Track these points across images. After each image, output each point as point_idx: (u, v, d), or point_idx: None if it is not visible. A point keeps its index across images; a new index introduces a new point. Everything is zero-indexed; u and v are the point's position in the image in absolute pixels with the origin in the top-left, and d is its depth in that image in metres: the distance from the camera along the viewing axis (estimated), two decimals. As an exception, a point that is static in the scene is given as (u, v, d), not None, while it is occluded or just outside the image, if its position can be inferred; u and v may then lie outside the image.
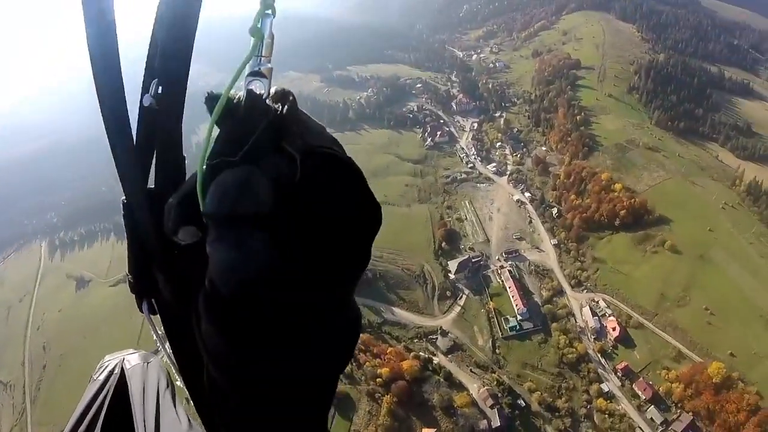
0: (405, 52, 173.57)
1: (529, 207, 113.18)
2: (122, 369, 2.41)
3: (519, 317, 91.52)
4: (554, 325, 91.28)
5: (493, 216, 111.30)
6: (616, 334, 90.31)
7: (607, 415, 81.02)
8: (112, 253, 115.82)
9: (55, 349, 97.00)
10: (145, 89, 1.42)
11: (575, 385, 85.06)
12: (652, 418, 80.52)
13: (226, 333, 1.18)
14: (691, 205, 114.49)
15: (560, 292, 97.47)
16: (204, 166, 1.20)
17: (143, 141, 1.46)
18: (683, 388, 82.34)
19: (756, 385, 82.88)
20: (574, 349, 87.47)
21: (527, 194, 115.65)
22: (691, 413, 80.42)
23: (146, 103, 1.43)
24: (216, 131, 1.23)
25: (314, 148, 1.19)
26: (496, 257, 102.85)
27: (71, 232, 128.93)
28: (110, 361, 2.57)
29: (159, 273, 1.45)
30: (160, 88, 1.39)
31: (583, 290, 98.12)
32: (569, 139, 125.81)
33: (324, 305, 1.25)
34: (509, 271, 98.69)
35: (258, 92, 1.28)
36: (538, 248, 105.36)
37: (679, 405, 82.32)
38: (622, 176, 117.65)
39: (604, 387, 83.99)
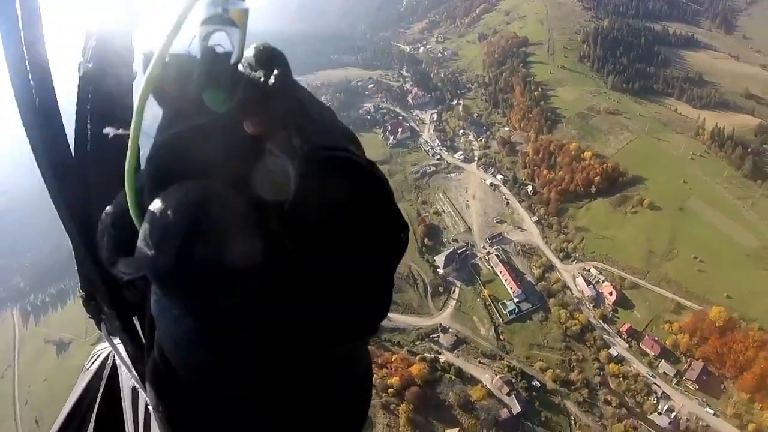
0: (351, 55, 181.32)
1: (504, 189, 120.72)
2: (114, 358, 2.31)
3: (516, 300, 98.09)
4: (551, 300, 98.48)
5: (470, 204, 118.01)
6: (613, 298, 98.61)
7: (621, 378, 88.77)
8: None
9: (48, 421, 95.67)
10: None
11: (584, 355, 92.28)
12: (664, 372, 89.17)
13: (175, 425, 0.89)
14: (661, 161, 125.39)
15: (550, 267, 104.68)
16: (135, 174, 0.83)
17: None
18: (689, 337, 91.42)
19: (757, 321, 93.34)
20: (576, 321, 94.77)
21: (499, 177, 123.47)
22: (701, 360, 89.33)
23: (79, 72, 1.31)
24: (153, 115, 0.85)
25: (321, 149, 0.84)
26: (481, 244, 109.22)
27: (41, 294, 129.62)
28: (102, 350, 2.48)
29: (102, 303, 1.36)
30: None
31: (572, 261, 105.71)
32: (530, 115, 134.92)
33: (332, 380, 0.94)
34: (497, 256, 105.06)
35: (222, 51, 0.84)
36: (520, 228, 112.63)
37: (688, 355, 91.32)
38: (590, 144, 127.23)
39: (613, 352, 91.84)
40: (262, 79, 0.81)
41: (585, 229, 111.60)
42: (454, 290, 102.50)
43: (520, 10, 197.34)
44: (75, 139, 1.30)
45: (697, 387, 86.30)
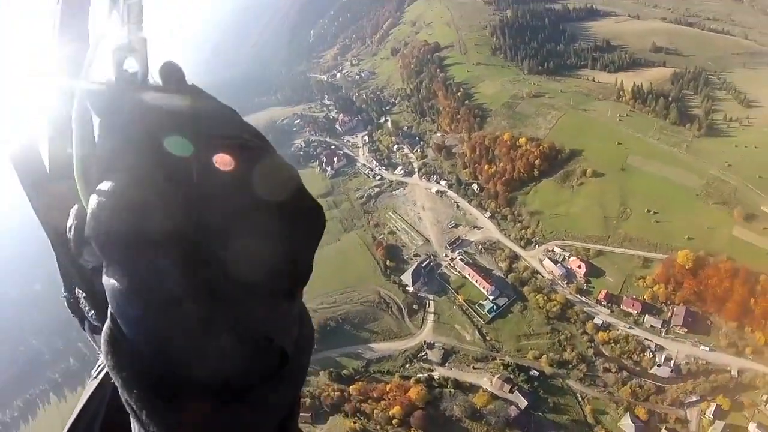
0: (271, 95, 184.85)
1: (451, 193, 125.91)
2: None
3: (491, 297, 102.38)
4: (525, 288, 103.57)
5: (421, 215, 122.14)
6: (583, 270, 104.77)
7: (613, 344, 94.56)
8: (59, 413, 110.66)
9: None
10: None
11: (571, 332, 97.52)
12: (651, 326, 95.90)
13: (136, 388, 1.11)
14: (592, 130, 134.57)
15: (515, 257, 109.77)
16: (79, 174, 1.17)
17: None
18: (664, 287, 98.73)
19: (723, 252, 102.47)
20: (555, 302, 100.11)
21: (443, 182, 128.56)
22: (682, 304, 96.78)
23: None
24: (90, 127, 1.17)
25: (214, 138, 1.11)
26: (443, 253, 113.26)
27: (8, 411, 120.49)
28: None
29: (80, 293, 1.52)
30: None
31: (535, 246, 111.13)
32: (459, 116, 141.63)
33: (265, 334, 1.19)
34: (461, 260, 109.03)
35: (131, 71, 1.16)
36: (476, 227, 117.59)
37: (668, 303, 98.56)
38: (522, 130, 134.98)
39: (597, 321, 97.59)
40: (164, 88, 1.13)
41: (538, 212, 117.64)
42: (429, 304, 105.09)
43: (425, 18, 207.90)
44: (49, 158, 1.51)
45: (686, 330, 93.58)
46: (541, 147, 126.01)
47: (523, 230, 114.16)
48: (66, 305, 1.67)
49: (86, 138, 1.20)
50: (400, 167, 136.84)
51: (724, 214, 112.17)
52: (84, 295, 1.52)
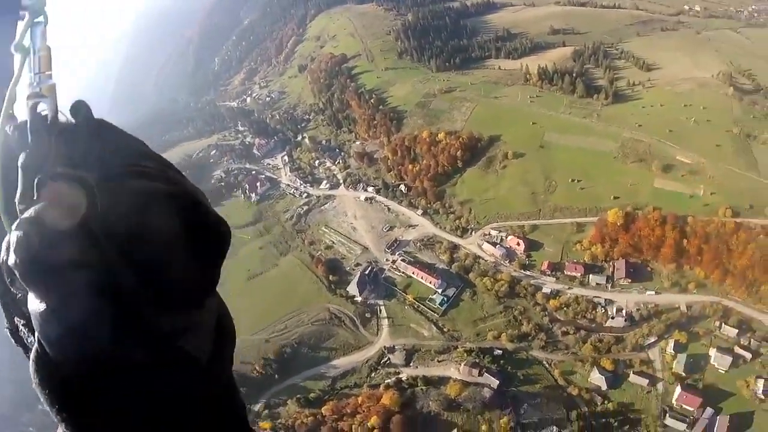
0: (182, 129, 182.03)
1: (380, 198, 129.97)
2: None
3: (439, 290, 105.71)
4: (471, 275, 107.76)
5: (355, 225, 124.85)
6: (521, 247, 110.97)
7: (565, 308, 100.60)
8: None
9: None
10: None
11: (524, 306, 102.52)
12: (597, 284, 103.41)
13: (56, 402, 1.38)
14: (506, 115, 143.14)
15: (455, 247, 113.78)
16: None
17: None
18: (601, 246, 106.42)
19: (649, 204, 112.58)
20: (501, 281, 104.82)
21: (370, 189, 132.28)
22: (621, 258, 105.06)
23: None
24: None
25: (115, 168, 1.33)
26: (384, 257, 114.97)
27: None
28: None
29: (19, 321, 1.64)
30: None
31: (471, 233, 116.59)
32: (375, 122, 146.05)
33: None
34: (402, 260, 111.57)
35: (44, 114, 1.42)
36: (411, 226, 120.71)
37: (608, 260, 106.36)
38: (439, 126, 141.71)
39: (546, 290, 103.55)
40: (71, 124, 1.47)
41: (468, 200, 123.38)
42: (380, 310, 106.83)
43: (328, 32, 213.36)
44: None
45: (630, 281, 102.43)
46: (460, 139, 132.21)
47: (457, 220, 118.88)
48: (9, 336, 1.79)
49: (9, 176, 1.46)
50: (324, 181, 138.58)
51: (643, 170, 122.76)
52: (22, 322, 1.63)
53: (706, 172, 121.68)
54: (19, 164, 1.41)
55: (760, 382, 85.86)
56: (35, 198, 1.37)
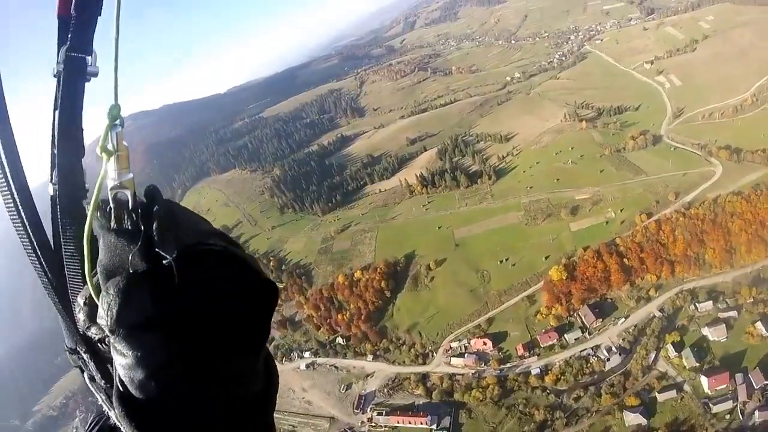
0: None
1: (321, 360, 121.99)
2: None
3: (434, 426, 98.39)
4: (456, 396, 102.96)
5: (308, 398, 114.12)
6: (489, 345, 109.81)
7: (562, 377, 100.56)
8: None
9: None
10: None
11: (524, 398, 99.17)
12: (575, 339, 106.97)
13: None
14: (410, 231, 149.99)
15: (424, 376, 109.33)
16: (92, 279, 1.90)
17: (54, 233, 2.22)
18: (559, 305, 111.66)
19: (577, 248, 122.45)
20: (489, 386, 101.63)
21: (306, 354, 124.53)
22: (581, 305, 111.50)
23: (50, 192, 2.21)
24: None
25: (187, 247, 1.78)
26: (357, 420, 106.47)
27: None
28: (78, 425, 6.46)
29: (82, 351, 2.26)
30: (56, 176, 2.22)
31: (432, 355, 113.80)
32: (283, 285, 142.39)
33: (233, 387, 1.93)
34: (378, 414, 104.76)
35: (122, 199, 1.88)
36: (368, 375, 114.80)
37: (572, 313, 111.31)
38: (351, 265, 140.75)
39: (534, 371, 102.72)
40: (147, 209, 1.84)
41: (413, 326, 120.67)
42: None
43: (201, 208, 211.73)
44: (53, 232, 2.29)
45: (600, 320, 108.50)
46: (377, 270, 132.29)
47: (411, 349, 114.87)
48: (68, 356, 2.34)
49: (94, 250, 1.93)
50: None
51: (555, 223, 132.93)
52: (87, 355, 2.25)
53: (606, 197, 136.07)
54: (108, 241, 1.87)
55: (759, 324, 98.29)
56: (123, 271, 1.80)
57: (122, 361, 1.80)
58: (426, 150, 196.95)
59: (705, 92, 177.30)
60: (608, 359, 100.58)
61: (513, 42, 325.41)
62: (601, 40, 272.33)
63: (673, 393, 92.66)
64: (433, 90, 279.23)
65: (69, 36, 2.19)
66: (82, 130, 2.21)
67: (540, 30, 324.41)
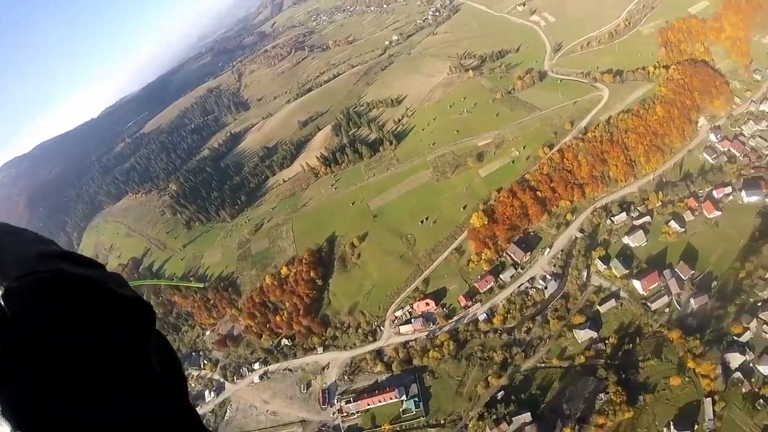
0: None
1: (272, 367, 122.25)
2: None
3: (403, 398, 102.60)
4: (415, 362, 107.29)
5: (272, 408, 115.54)
6: (432, 304, 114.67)
7: (508, 314, 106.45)
8: None
9: None
10: None
11: (480, 344, 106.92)
12: (510, 276, 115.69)
13: None
14: (324, 214, 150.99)
15: (379, 351, 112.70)
16: None
17: None
18: (487, 249, 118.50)
19: (491, 191, 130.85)
20: (444, 344, 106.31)
21: (257, 365, 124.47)
22: (508, 244, 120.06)
23: None
24: None
25: (16, 278, 1.76)
26: (330, 414, 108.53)
27: None
28: None
29: None
30: None
31: (380, 330, 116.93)
32: (211, 302, 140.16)
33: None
34: (347, 402, 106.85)
35: None
36: (324, 368, 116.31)
37: (501, 253, 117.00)
38: (275, 263, 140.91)
39: (482, 316, 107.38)
40: None
41: (353, 306, 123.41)
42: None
43: (103, 246, 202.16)
44: None
45: (529, 253, 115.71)
46: (303, 261, 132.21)
47: (358, 330, 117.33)
48: None
49: None
50: (207, 392, 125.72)
51: (465, 172, 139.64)
52: None
53: (507, 138, 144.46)
54: None
55: (672, 223, 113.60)
56: None
57: None
58: (320, 129, 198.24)
59: (579, 24, 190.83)
60: (546, 287, 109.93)
61: (385, 6, 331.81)
62: None
63: (612, 302, 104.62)
64: (314, 68, 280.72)
65: None
66: None
67: None
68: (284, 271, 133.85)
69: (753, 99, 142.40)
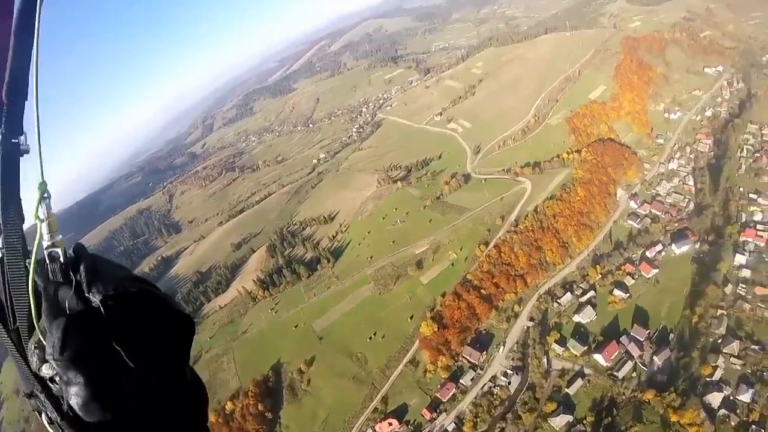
0: None
1: None
2: None
3: None
4: None
5: None
6: (394, 425, 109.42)
7: (477, 419, 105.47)
8: None
9: None
10: None
11: None
12: (471, 380, 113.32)
13: None
14: (267, 340, 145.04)
15: None
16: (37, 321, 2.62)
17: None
18: (442, 356, 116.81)
19: (434, 297, 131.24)
20: None
21: None
22: (462, 347, 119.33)
23: None
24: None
25: (110, 292, 2.48)
26: None
27: None
28: None
29: (40, 394, 2.74)
30: None
31: None
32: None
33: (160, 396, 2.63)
34: None
35: (55, 257, 2.64)
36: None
37: (456, 358, 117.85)
38: (217, 396, 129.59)
39: (449, 427, 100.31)
40: (75, 262, 2.72)
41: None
42: None
43: None
44: (2, 288, 2.95)
45: (484, 352, 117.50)
46: (249, 393, 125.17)
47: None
48: (27, 401, 2.83)
49: (38, 298, 2.67)
50: None
51: (407, 282, 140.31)
52: (43, 395, 2.72)
53: (443, 242, 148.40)
54: (48, 291, 2.60)
55: (615, 291, 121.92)
56: (63, 314, 2.48)
57: (70, 389, 2.42)
58: (254, 251, 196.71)
59: (493, 126, 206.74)
60: (509, 383, 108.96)
61: (311, 125, 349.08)
62: (391, 105, 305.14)
63: (579, 381, 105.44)
64: (246, 188, 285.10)
65: (3, 121, 2.96)
66: (21, 200, 2.90)
67: (333, 109, 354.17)
68: (229, 406, 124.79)
69: (661, 161, 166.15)
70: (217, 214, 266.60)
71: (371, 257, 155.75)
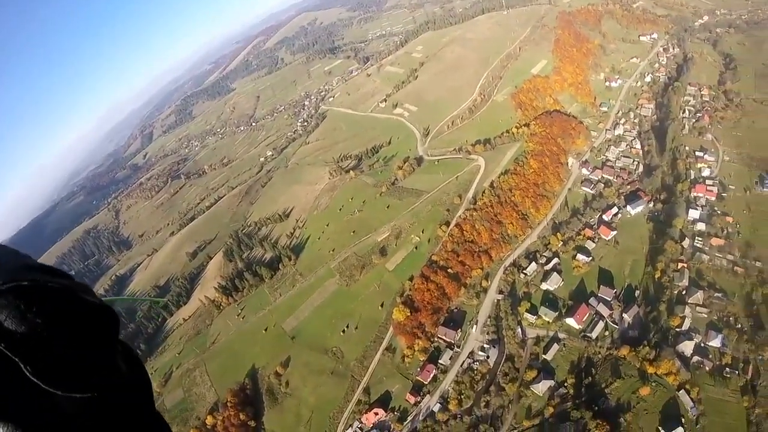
0: None
1: None
2: None
3: None
4: None
5: None
6: (380, 414, 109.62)
7: (460, 396, 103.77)
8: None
9: None
10: None
11: None
12: (449, 358, 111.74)
13: None
14: (238, 347, 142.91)
15: None
16: None
17: None
18: (417, 340, 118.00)
19: (403, 282, 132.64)
20: None
21: None
22: (436, 328, 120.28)
23: None
24: None
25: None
26: None
27: None
28: None
29: None
30: None
31: None
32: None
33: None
34: None
35: None
36: None
37: (432, 340, 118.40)
38: (196, 412, 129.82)
39: (435, 409, 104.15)
40: None
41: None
42: None
43: None
44: None
45: (459, 329, 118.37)
46: (228, 404, 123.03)
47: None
48: None
49: None
50: None
51: (373, 270, 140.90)
52: None
53: (404, 227, 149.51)
54: None
55: (578, 256, 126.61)
56: None
57: None
58: (211, 258, 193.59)
59: (440, 108, 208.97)
60: (488, 356, 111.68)
61: (254, 124, 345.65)
62: (334, 96, 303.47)
63: (555, 347, 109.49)
64: (194, 195, 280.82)
65: None
66: None
67: (275, 105, 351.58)
68: (210, 420, 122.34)
69: (607, 128, 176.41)
70: (168, 224, 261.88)
71: (333, 250, 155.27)
